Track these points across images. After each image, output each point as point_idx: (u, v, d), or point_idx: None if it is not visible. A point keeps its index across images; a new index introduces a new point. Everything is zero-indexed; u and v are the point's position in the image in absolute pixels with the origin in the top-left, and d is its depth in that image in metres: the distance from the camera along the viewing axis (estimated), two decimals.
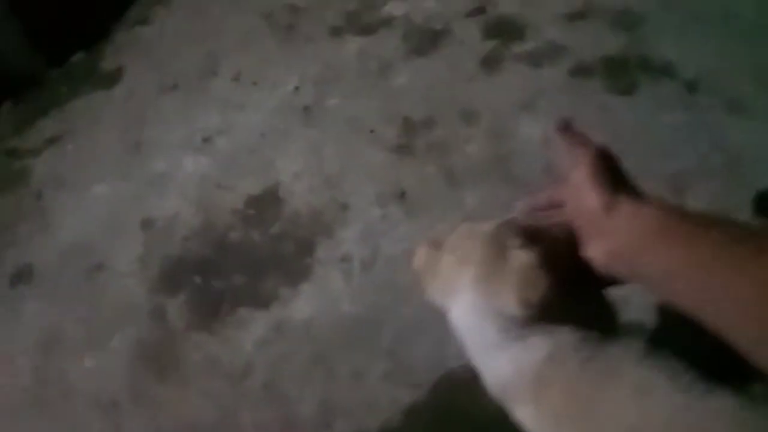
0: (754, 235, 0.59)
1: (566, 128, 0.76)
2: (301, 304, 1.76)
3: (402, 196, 1.92)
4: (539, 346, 0.75)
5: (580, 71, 2.04)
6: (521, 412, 0.77)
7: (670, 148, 1.80)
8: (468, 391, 1.43)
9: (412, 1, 2.40)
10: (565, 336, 0.74)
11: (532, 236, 0.78)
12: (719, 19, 2.03)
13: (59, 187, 2.28)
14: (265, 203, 2.02)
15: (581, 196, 0.70)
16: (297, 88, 2.28)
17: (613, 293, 0.79)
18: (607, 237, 0.67)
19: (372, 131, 2.09)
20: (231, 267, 1.90)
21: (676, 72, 1.97)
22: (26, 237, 2.18)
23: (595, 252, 0.69)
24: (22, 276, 2.07)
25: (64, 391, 1.80)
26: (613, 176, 0.70)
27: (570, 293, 0.75)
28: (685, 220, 0.64)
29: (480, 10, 2.29)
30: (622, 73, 2.01)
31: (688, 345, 0.71)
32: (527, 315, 0.75)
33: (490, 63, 2.14)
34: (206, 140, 2.24)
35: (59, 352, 1.88)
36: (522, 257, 0.76)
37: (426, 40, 2.28)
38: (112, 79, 2.59)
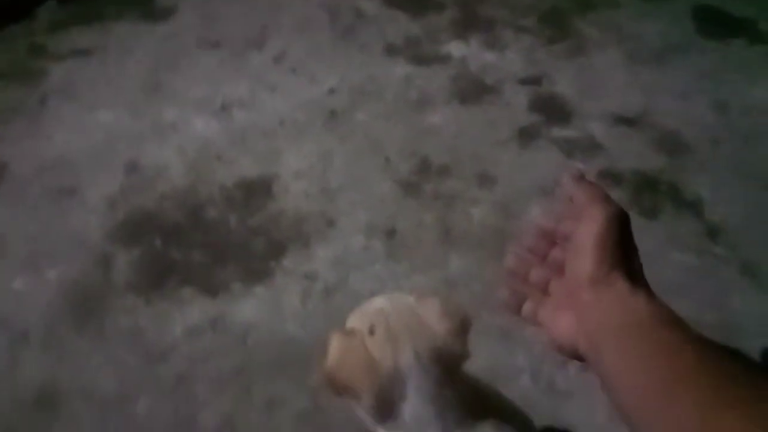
0: (747, 385, 0.47)
1: (583, 179, 0.62)
2: (248, 307, 1.57)
3: (391, 234, 1.74)
4: None
5: (610, 176, 1.87)
6: None
7: (669, 286, 1.61)
8: None
9: (473, 49, 2.24)
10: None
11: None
12: (764, 177, 1.86)
13: (66, 99, 2.11)
14: (255, 191, 1.84)
15: (577, 258, 0.59)
16: (332, 90, 2.11)
17: None
18: (585, 310, 0.58)
19: (387, 159, 1.92)
20: (195, 242, 1.72)
21: (702, 212, 1.79)
22: (14, 136, 2.01)
23: (567, 321, 0.59)
24: None
25: None
26: (618, 248, 0.58)
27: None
28: (674, 327, 0.53)
29: (535, 81, 2.12)
30: (649, 193, 1.84)
31: None
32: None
33: (525, 135, 1.97)
34: (225, 108, 2.06)
35: None
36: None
37: (473, 89, 2.11)
38: (161, 15, 2.43)
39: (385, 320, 0.82)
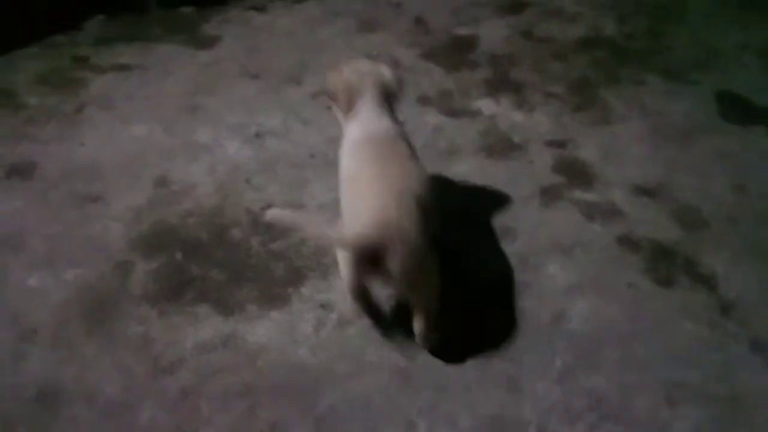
0: None
1: None
2: (261, 329, 1.55)
3: None
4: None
5: (627, 242, 1.87)
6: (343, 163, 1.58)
7: (678, 354, 1.59)
8: None
9: (503, 108, 2.28)
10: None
11: None
12: None
13: (103, 109, 2.14)
14: None
15: None
16: None
17: None
18: None
19: None
20: (216, 260, 1.71)
21: (717, 287, 1.78)
22: (47, 139, 2.02)
23: None
24: (21, 171, 1.91)
25: None
26: None
27: None
28: None
29: (561, 144, 2.15)
30: (665, 263, 1.83)
31: None
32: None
33: (547, 194, 1.98)
34: (258, 135, 2.09)
35: (13, 257, 1.69)
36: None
37: (500, 145, 2.13)
38: (205, 42, 2.49)
39: (357, 66, 1.68)
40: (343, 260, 1.46)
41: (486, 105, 2.29)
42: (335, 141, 2.12)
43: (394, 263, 1.30)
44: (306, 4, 2.75)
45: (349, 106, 1.60)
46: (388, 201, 1.34)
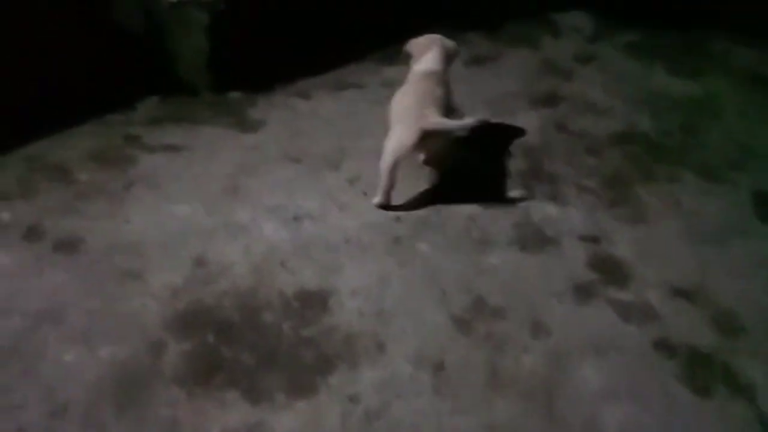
0: None
1: None
2: (288, 420, 1.54)
3: (439, 367, 1.71)
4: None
5: (664, 347, 1.83)
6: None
7: None
8: None
9: (537, 200, 2.29)
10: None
11: None
12: None
13: (149, 188, 2.21)
14: (312, 302, 1.85)
15: None
16: (398, 218, 2.17)
17: None
18: None
19: (443, 291, 1.92)
20: (247, 343, 1.72)
21: (755, 398, 1.72)
22: (93, 214, 2.09)
23: None
24: (67, 245, 1.97)
25: (28, 368, 1.63)
26: None
27: None
28: None
29: (594, 239, 2.15)
30: (702, 371, 1.78)
31: None
32: None
33: (581, 291, 1.96)
34: (296, 218, 2.13)
35: (53, 330, 1.72)
36: None
37: (533, 238, 2.14)
38: (250, 126, 2.59)
39: (429, 36, 2.51)
40: (389, 152, 2.15)
41: (519, 196, 2.31)
42: (371, 227, 2.16)
43: (430, 146, 2.20)
44: (347, 92, 2.86)
45: (419, 58, 2.43)
46: (426, 111, 2.16)
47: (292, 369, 1.66)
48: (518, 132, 2.63)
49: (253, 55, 2.80)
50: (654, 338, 1.84)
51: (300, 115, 2.68)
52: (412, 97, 2.25)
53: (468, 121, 2.23)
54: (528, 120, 2.71)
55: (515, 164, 2.45)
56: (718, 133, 2.74)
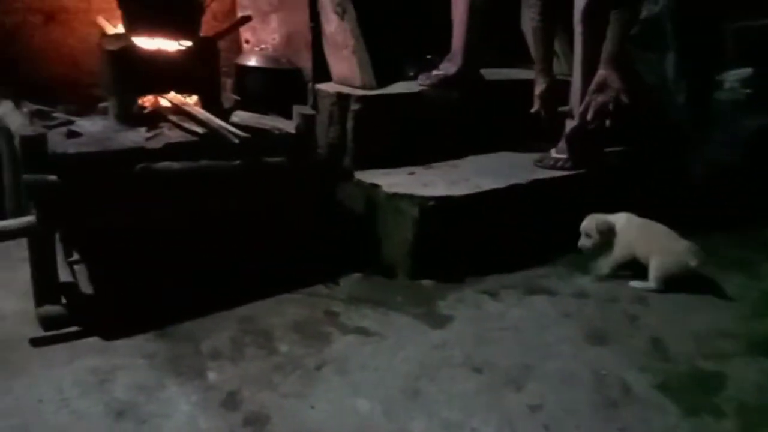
0: None
1: None
2: None
3: None
4: None
5: None
6: None
7: None
8: None
9: None
10: None
11: None
12: None
13: (338, 374, 2.28)
14: None
15: None
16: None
17: None
18: None
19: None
20: None
21: None
22: (285, 391, 2.17)
23: None
24: (255, 422, 2.02)
25: None
26: None
27: None
28: None
29: None
30: None
31: None
32: None
33: None
34: None
35: None
36: None
37: None
38: (438, 321, 2.63)
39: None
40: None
41: None
42: None
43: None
44: (537, 297, 2.80)
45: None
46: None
47: None
48: None
49: (448, 247, 2.91)
50: None
51: (487, 317, 2.66)
52: (656, 225, 2.88)
53: None
54: (744, 369, 2.36)
55: (725, 426, 2.13)
56: None
